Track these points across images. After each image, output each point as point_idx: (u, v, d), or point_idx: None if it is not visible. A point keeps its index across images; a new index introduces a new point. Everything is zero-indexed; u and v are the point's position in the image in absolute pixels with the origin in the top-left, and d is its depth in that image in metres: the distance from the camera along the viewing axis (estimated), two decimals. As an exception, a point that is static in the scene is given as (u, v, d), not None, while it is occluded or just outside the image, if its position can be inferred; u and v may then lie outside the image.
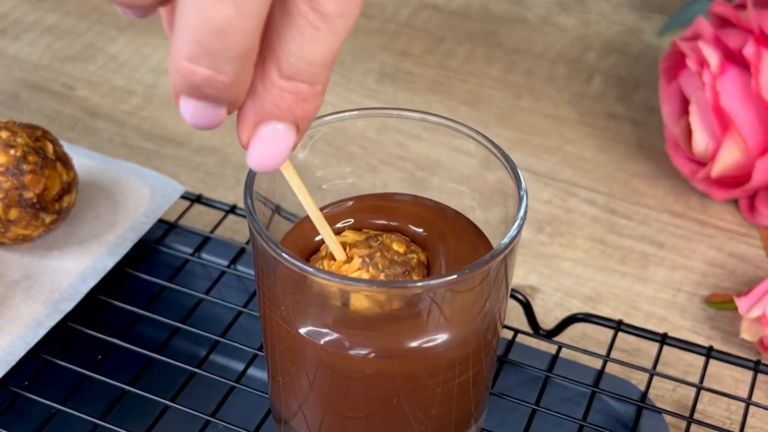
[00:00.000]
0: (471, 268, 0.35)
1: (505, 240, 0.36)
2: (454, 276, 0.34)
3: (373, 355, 0.37)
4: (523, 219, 0.37)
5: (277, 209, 0.40)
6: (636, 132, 0.69)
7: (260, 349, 0.48)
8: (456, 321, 0.37)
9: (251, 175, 0.37)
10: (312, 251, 0.39)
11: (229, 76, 0.29)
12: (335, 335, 0.36)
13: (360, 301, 0.36)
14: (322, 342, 0.37)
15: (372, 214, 0.41)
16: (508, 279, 0.38)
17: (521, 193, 0.38)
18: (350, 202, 0.42)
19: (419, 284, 0.35)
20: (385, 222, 0.41)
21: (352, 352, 0.36)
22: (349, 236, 0.39)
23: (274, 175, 0.38)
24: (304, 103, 0.31)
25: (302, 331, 0.37)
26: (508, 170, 0.39)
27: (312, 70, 0.30)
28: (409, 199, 0.42)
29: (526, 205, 0.37)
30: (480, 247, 0.40)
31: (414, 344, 0.36)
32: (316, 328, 0.37)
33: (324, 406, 0.40)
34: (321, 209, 0.41)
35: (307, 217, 0.41)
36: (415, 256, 0.39)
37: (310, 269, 0.34)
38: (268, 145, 0.31)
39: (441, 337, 0.36)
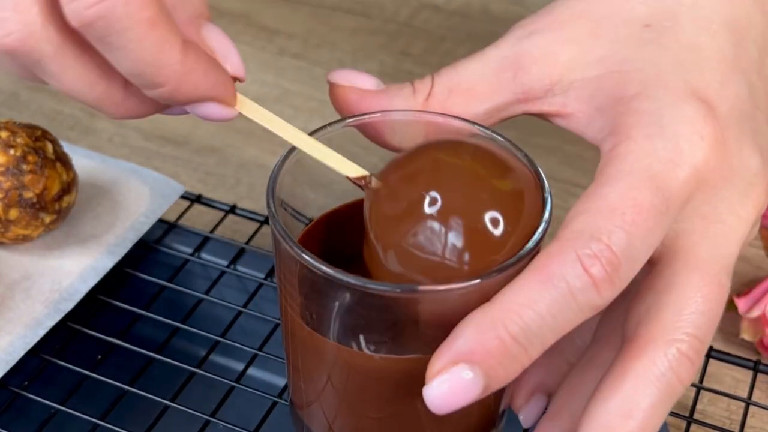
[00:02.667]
0: (494, 273, 0.34)
1: (530, 244, 0.35)
2: (477, 281, 0.34)
3: (393, 357, 0.36)
4: (548, 222, 0.36)
5: (291, 209, 0.40)
6: (636, 132, 0.69)
7: (260, 348, 0.48)
8: None
9: (273, 179, 0.37)
10: (330, 251, 0.39)
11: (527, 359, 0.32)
12: (357, 337, 0.36)
13: (381, 304, 0.35)
14: (343, 343, 0.36)
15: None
16: None
17: (545, 195, 0.37)
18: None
19: (443, 288, 0.34)
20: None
21: (372, 354, 0.36)
22: None
23: (292, 178, 0.39)
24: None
25: (323, 332, 0.37)
26: (531, 172, 0.38)
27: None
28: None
29: (551, 208, 0.36)
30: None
31: (435, 348, 0.36)
32: (338, 330, 0.37)
33: (342, 406, 0.39)
34: (340, 209, 0.41)
35: (322, 218, 0.41)
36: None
37: (331, 272, 0.34)
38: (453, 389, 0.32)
39: None
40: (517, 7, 0.80)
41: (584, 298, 0.32)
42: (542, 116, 0.41)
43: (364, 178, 0.37)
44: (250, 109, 0.37)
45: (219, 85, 0.35)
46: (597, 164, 0.71)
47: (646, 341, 0.34)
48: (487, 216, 0.35)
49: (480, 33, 0.79)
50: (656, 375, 0.33)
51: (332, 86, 0.40)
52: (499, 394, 0.40)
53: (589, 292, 0.32)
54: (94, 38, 0.32)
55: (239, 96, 0.37)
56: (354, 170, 0.37)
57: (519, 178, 0.37)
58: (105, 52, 0.33)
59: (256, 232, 0.55)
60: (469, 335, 0.32)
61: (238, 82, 0.37)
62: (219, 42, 0.36)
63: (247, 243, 0.54)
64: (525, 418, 0.41)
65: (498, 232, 0.35)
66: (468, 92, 0.40)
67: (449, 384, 0.32)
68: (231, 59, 0.36)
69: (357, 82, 0.40)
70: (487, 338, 0.32)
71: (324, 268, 0.34)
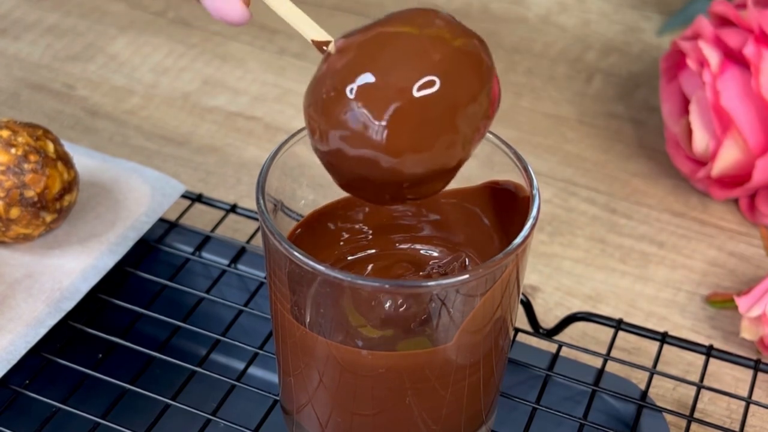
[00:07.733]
0: (483, 268, 0.34)
1: (518, 240, 0.35)
2: (466, 276, 0.34)
3: (383, 353, 0.36)
4: (536, 218, 0.36)
5: (281, 206, 0.40)
6: (636, 131, 0.70)
7: (261, 347, 0.48)
8: (467, 321, 0.36)
9: (263, 175, 0.38)
10: (321, 247, 0.39)
11: None
12: (347, 333, 0.36)
13: (370, 300, 0.36)
14: (333, 340, 0.37)
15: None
16: (519, 280, 0.38)
17: (533, 192, 0.37)
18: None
19: (430, 284, 0.35)
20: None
21: (363, 351, 0.36)
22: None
23: (282, 173, 0.39)
24: None
25: (313, 328, 0.37)
26: (519, 169, 0.38)
27: None
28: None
29: (539, 205, 0.37)
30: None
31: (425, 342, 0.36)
32: (328, 326, 0.37)
33: (333, 403, 0.40)
34: (331, 205, 0.41)
35: (313, 214, 0.41)
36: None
37: (322, 268, 0.34)
38: None
39: (451, 338, 0.36)
40: (517, 7, 0.80)
41: None
42: None
43: (326, 43, 0.36)
44: None
45: None
46: (597, 164, 0.72)
47: None
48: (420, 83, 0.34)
49: (480, 33, 0.78)
50: None
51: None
52: (488, 389, 0.41)
53: None
54: None
55: None
56: (318, 34, 0.36)
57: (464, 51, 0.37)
58: None
59: (256, 231, 0.56)
60: None
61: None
62: None
63: (247, 242, 0.54)
64: None
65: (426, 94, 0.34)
66: None
67: None
68: None
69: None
70: None
71: (312, 263, 0.34)
